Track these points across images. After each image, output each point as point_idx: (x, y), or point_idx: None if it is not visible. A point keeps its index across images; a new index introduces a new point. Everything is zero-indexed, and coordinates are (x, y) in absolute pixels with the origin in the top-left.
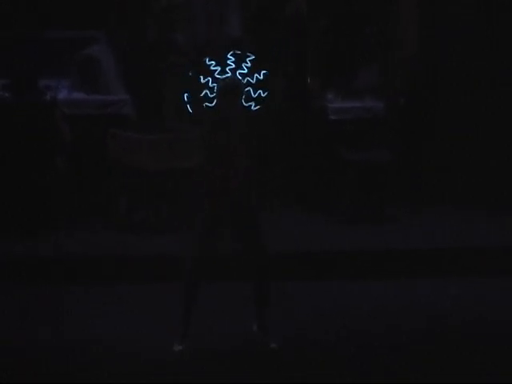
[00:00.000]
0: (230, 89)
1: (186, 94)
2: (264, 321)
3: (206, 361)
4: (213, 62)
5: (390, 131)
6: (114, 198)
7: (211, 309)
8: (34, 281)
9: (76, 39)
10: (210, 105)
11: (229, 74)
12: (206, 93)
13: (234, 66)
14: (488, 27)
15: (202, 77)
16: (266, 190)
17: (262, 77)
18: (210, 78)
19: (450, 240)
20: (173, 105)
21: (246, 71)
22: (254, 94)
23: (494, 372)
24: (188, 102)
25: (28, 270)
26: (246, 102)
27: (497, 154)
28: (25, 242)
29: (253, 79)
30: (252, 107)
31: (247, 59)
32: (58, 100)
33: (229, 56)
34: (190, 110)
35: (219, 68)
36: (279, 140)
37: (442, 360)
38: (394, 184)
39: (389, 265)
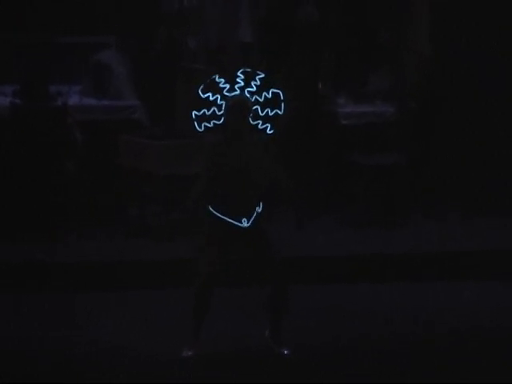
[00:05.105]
0: (238, 107)
1: (193, 112)
2: (277, 328)
3: (209, 367)
4: (222, 80)
5: (402, 136)
6: (125, 203)
7: (218, 314)
8: (44, 286)
9: (87, 44)
10: (217, 122)
11: (237, 92)
12: (214, 110)
13: (242, 83)
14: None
15: (210, 94)
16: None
17: (270, 95)
18: (218, 96)
19: (461, 244)
20: (184, 110)
21: (254, 89)
22: (262, 112)
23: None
24: (195, 120)
25: (38, 275)
26: (253, 121)
27: (508, 158)
28: (34, 247)
29: (261, 98)
30: (259, 126)
31: (256, 77)
32: (69, 105)
33: (238, 74)
34: (198, 128)
35: (228, 85)
36: (290, 144)
37: (453, 366)
38: (405, 188)
39: (400, 268)
